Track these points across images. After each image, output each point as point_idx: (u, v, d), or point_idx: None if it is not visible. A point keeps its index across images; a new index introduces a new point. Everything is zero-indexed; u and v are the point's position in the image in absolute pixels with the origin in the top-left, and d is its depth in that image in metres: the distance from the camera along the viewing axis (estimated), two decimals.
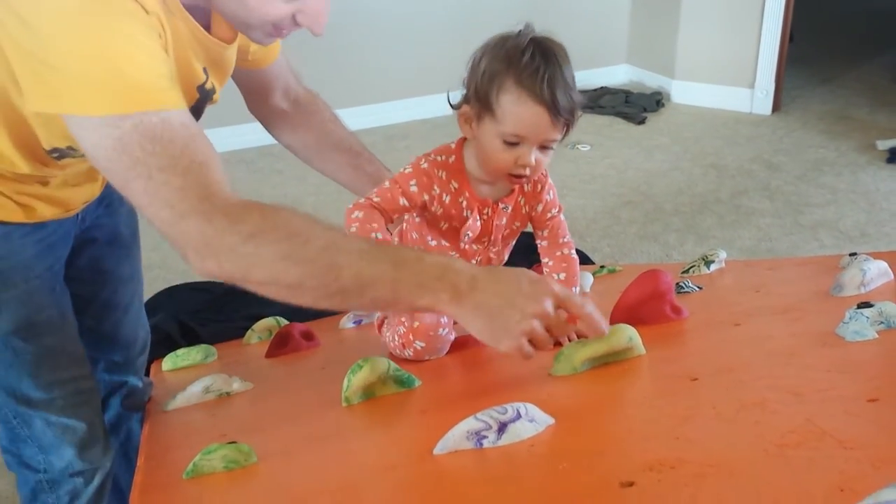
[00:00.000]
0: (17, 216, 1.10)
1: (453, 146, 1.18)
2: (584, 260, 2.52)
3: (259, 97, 1.37)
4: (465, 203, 1.19)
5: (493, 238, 1.25)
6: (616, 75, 4.42)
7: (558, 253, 1.26)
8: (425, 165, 1.17)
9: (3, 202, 1.08)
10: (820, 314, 1.16)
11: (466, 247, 1.24)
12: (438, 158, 1.17)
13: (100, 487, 1.27)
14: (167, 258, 2.67)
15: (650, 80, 4.32)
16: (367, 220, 1.12)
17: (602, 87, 4.22)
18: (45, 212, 1.09)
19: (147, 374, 1.59)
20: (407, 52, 3.87)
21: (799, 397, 0.78)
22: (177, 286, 2.40)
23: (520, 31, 1.10)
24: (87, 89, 0.80)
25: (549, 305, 0.87)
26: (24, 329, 1.14)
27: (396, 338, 1.33)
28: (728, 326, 1.19)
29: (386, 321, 1.42)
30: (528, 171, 1.12)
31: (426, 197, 1.17)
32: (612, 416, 0.88)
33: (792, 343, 1.02)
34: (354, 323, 1.87)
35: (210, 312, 2.22)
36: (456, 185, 1.18)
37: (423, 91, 3.95)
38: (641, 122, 3.90)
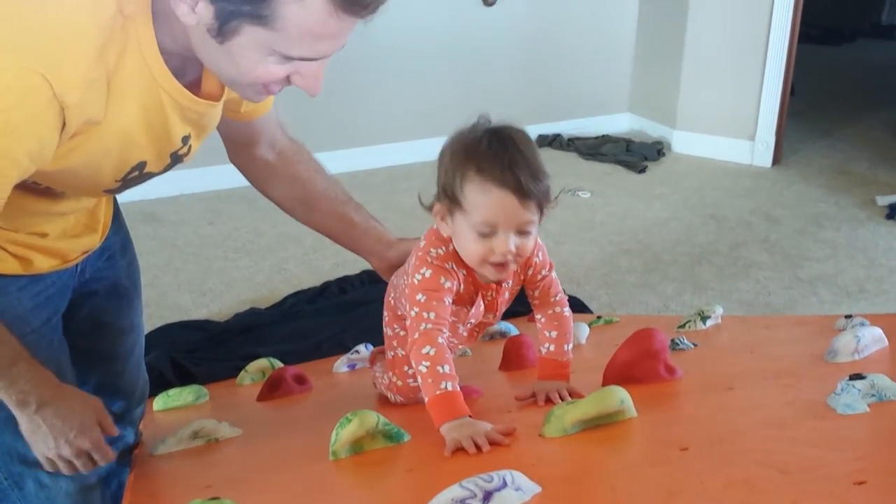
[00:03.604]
0: (13, 268, 1.08)
1: (445, 237, 1.17)
2: (581, 308, 2.52)
3: (243, 147, 1.32)
4: (472, 288, 1.19)
5: (496, 313, 1.27)
6: (618, 124, 4.46)
7: (550, 311, 1.26)
8: (437, 262, 1.16)
9: (1, 254, 1.07)
10: (813, 381, 1.15)
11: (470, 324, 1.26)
12: (440, 252, 1.16)
13: None
14: (163, 295, 2.67)
15: (652, 129, 4.35)
16: (437, 360, 1.09)
17: (603, 135, 4.25)
18: (43, 264, 1.08)
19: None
20: (410, 95, 3.90)
21: (786, 476, 0.77)
22: (171, 324, 2.40)
23: (475, 123, 1.13)
24: None
25: (82, 446, 1.10)
26: None
27: (385, 378, 1.34)
28: (721, 390, 1.19)
29: (377, 360, 1.43)
30: (510, 258, 1.12)
31: (452, 287, 1.16)
32: (599, 487, 0.88)
33: (784, 413, 1.01)
34: (348, 367, 1.86)
35: (204, 351, 2.22)
36: (463, 273, 1.17)
37: (426, 133, 3.97)
38: (642, 170, 3.93)
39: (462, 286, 1.18)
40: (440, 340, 1.12)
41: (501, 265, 1.13)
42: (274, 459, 1.23)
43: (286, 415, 1.50)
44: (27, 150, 0.88)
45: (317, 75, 0.95)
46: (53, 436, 1.07)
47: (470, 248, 1.12)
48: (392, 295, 1.33)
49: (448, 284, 1.15)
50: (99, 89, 0.90)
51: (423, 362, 1.10)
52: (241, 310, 2.57)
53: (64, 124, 0.88)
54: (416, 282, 1.16)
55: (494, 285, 1.21)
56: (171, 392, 1.73)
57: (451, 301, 1.16)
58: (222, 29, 0.88)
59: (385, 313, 1.35)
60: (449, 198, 1.11)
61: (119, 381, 1.40)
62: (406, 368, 1.27)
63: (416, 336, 1.13)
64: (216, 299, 2.68)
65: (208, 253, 3.05)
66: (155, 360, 2.03)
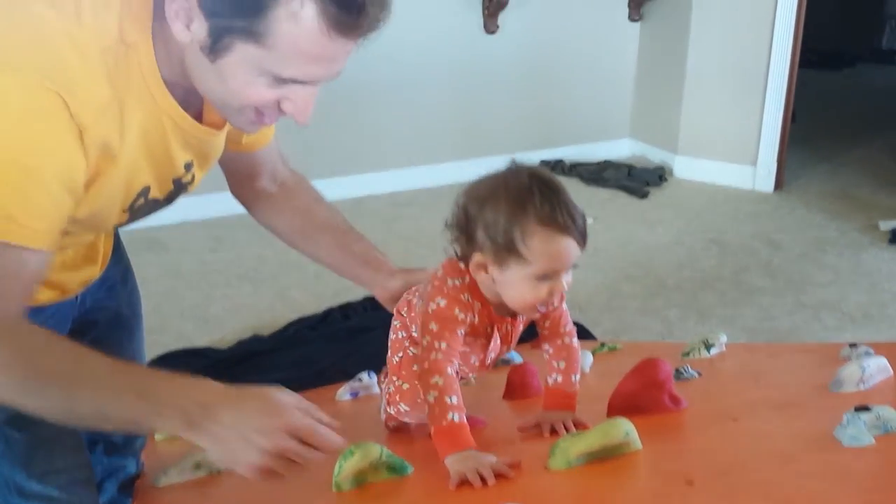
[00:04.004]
0: None
1: (461, 266, 1.17)
2: (585, 335, 2.51)
3: (245, 179, 1.33)
4: (487, 320, 1.19)
5: (511, 345, 1.27)
6: (619, 149, 4.47)
7: (559, 342, 1.26)
8: (453, 292, 1.15)
9: None
10: (819, 412, 1.15)
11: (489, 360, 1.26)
12: (457, 282, 1.16)
13: None
14: (166, 322, 2.67)
15: (653, 154, 4.37)
16: (446, 390, 1.09)
17: (605, 161, 4.26)
18: (42, 296, 1.07)
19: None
20: (411, 121, 3.92)
21: None
22: (174, 352, 2.40)
23: (513, 169, 1.12)
24: None
25: (282, 440, 0.89)
26: (19, 417, 1.06)
27: (390, 387, 1.33)
28: (726, 421, 1.18)
29: (385, 378, 1.41)
30: (558, 299, 1.15)
31: (466, 319, 1.16)
32: None
33: (789, 445, 1.01)
34: (351, 395, 1.85)
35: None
36: (479, 306, 1.17)
37: (427, 160, 4.00)
38: (644, 196, 3.93)
39: (477, 318, 1.17)
40: (449, 371, 1.12)
41: (547, 305, 1.15)
42: (276, 491, 1.22)
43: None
44: (57, 174, 0.86)
45: (307, 102, 0.94)
46: (244, 436, 0.88)
47: (526, 296, 1.13)
48: (405, 310, 1.32)
49: (462, 316, 1.15)
50: (113, 115, 0.91)
51: (432, 392, 1.10)
52: (243, 337, 2.57)
53: (84, 151, 0.88)
54: (430, 310, 1.16)
55: (510, 318, 1.21)
56: None
57: (463, 333, 1.16)
58: (215, 46, 0.88)
59: (395, 322, 1.33)
60: (501, 249, 1.09)
61: None
62: (414, 367, 1.25)
63: (426, 365, 1.13)
64: (219, 326, 2.68)
65: (211, 280, 3.05)
66: None
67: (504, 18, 3.94)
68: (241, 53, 0.88)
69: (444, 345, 1.13)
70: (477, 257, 1.13)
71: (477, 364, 1.25)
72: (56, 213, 0.89)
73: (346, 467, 1.10)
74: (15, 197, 0.84)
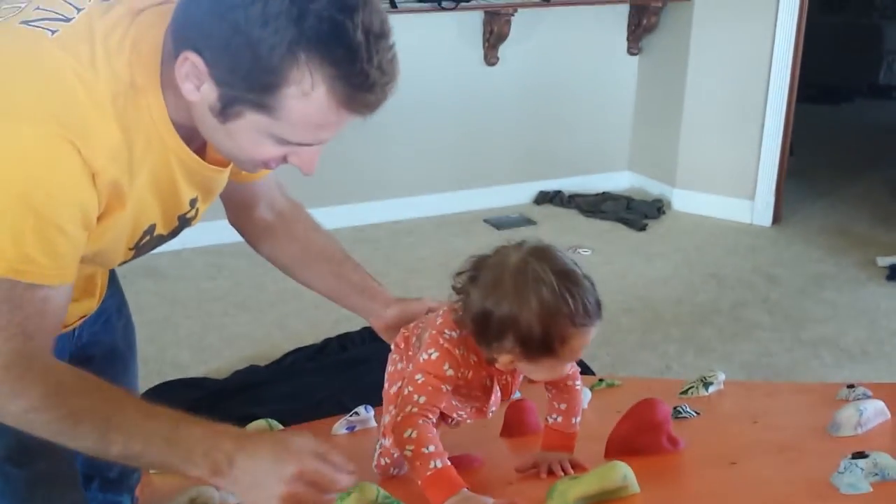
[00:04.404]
0: None
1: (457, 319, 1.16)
2: (584, 369, 2.50)
3: (243, 209, 1.34)
4: (485, 373, 1.18)
5: (510, 396, 1.27)
6: (618, 181, 4.49)
7: (562, 384, 1.25)
8: (447, 345, 1.15)
9: None
10: (816, 456, 1.15)
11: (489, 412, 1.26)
12: (453, 335, 1.15)
13: None
14: (162, 351, 2.67)
15: (652, 187, 4.39)
16: (420, 442, 1.08)
17: (604, 193, 4.28)
18: None
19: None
20: (412, 151, 3.94)
21: None
22: (170, 381, 2.39)
23: (534, 269, 1.08)
24: None
25: (295, 485, 0.91)
26: (17, 454, 1.10)
27: (380, 438, 1.32)
28: (724, 465, 1.18)
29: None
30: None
31: (458, 374, 1.15)
32: None
33: (786, 491, 1.01)
34: (347, 429, 1.84)
35: (202, 410, 2.18)
36: (475, 359, 1.16)
37: (428, 189, 4.01)
38: (642, 228, 3.94)
39: (472, 373, 1.17)
40: (420, 422, 1.11)
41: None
42: None
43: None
44: (71, 218, 0.89)
45: (313, 157, 0.97)
46: (261, 484, 0.90)
47: (550, 375, 1.17)
48: (403, 345, 1.31)
49: (451, 373, 1.14)
50: (124, 158, 0.93)
51: (408, 446, 1.09)
52: (240, 366, 2.56)
53: (97, 192, 0.90)
54: (421, 360, 1.16)
55: (509, 370, 1.20)
56: None
57: (450, 388, 1.15)
58: (224, 111, 0.90)
59: (393, 355, 1.32)
60: (536, 352, 1.09)
61: None
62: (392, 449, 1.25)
63: (400, 418, 1.12)
64: (215, 355, 2.67)
65: (209, 308, 3.05)
66: None
67: (504, 50, 3.98)
68: (251, 120, 0.90)
69: (422, 399, 1.12)
70: (506, 358, 1.12)
71: (473, 412, 1.24)
72: (74, 251, 0.93)
73: None
74: (35, 241, 0.87)
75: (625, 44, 4.31)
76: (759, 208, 4.01)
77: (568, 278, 1.08)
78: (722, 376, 1.83)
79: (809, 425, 1.33)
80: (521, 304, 1.07)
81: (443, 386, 1.14)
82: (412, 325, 1.31)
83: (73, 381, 0.93)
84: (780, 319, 3.05)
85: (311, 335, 2.77)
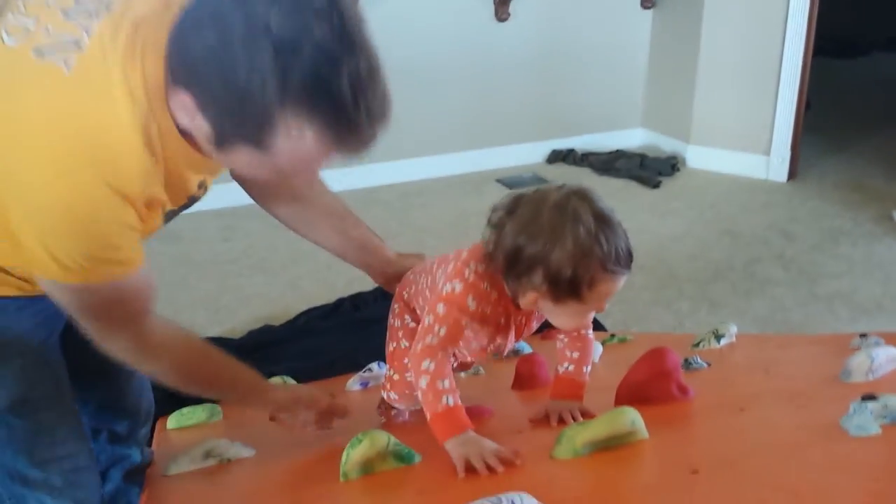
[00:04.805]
0: (14, 292, 1.09)
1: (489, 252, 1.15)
2: (596, 326, 2.50)
3: None
4: (503, 310, 1.18)
5: (522, 337, 1.27)
6: (631, 139, 4.45)
7: (575, 332, 1.26)
8: (473, 278, 1.14)
9: (3, 278, 1.07)
10: (826, 402, 1.14)
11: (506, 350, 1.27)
12: (479, 268, 1.14)
13: None
14: (178, 313, 2.67)
15: (665, 144, 4.35)
16: (437, 374, 1.10)
17: (617, 151, 4.24)
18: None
19: (153, 430, 1.58)
20: (423, 111, 3.90)
21: (798, 500, 0.76)
22: None
23: (574, 208, 1.08)
24: (56, 265, 0.94)
25: (303, 413, 1.34)
26: (20, 405, 1.13)
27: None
28: (733, 411, 1.18)
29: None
30: None
31: (479, 309, 1.15)
32: None
33: (796, 436, 1.01)
34: (361, 385, 1.86)
35: None
36: (495, 295, 1.16)
37: (440, 150, 3.99)
38: (656, 185, 3.91)
39: (490, 309, 1.17)
40: (440, 355, 1.12)
41: None
42: (285, 480, 1.23)
43: (298, 434, 1.51)
44: (122, 235, 0.97)
45: (312, 178, 1.08)
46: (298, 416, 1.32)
47: (572, 323, 1.18)
48: (408, 290, 1.33)
49: (473, 306, 1.14)
50: (153, 174, 0.97)
51: (423, 377, 1.10)
52: (254, 327, 2.58)
53: (137, 212, 0.97)
54: (443, 292, 1.16)
55: (526, 311, 1.20)
56: (185, 410, 1.74)
57: (468, 322, 1.15)
58: (219, 143, 0.92)
59: (395, 305, 1.35)
60: (563, 292, 1.09)
61: (121, 401, 1.41)
62: (406, 361, 1.26)
63: (419, 347, 1.13)
64: (230, 316, 2.70)
65: (223, 269, 3.07)
66: None
67: (515, 6, 3.93)
68: (244, 152, 0.92)
69: (443, 330, 1.13)
70: (531, 296, 1.11)
71: (478, 350, 1.24)
72: (135, 246, 1.01)
73: (354, 456, 1.10)
74: (103, 255, 0.97)
75: None
76: (774, 164, 3.96)
77: (605, 222, 1.08)
78: (734, 329, 1.83)
79: (821, 374, 1.33)
80: (555, 241, 1.06)
81: (464, 319, 1.14)
82: (417, 267, 1.33)
83: (192, 353, 1.19)
84: (795, 275, 3.03)
85: (325, 295, 2.78)
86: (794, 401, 1.18)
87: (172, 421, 1.71)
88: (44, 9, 0.95)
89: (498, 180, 3.94)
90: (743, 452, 0.97)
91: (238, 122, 0.88)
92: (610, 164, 4.12)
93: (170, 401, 1.89)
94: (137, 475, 1.42)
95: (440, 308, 1.14)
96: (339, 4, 0.85)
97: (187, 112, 0.91)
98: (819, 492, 0.79)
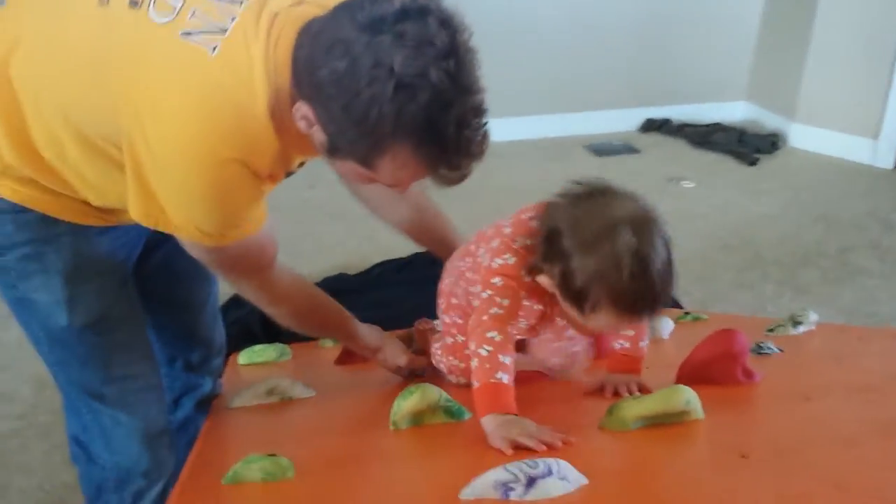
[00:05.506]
0: (94, 221, 1.16)
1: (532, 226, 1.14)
2: (672, 303, 2.45)
3: None
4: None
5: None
6: (732, 112, 4.28)
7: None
8: (523, 251, 1.13)
9: (87, 210, 1.15)
10: None
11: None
12: (527, 243, 1.13)
13: (163, 491, 1.30)
14: None
15: (768, 120, 4.17)
16: (501, 348, 1.09)
17: (716, 124, 4.09)
18: (123, 217, 1.14)
19: (225, 364, 1.64)
20: (520, 71, 3.82)
21: (843, 493, 0.74)
22: None
23: (624, 233, 1.02)
24: (198, 231, 1.07)
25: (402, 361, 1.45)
26: (98, 323, 1.19)
27: (445, 360, 1.36)
28: (798, 400, 1.14)
29: (430, 337, 1.48)
30: None
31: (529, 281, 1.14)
32: (649, 487, 0.86)
33: (856, 430, 0.96)
34: None
35: None
36: None
37: (535, 110, 3.93)
38: (753, 163, 3.77)
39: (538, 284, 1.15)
40: (509, 329, 1.11)
41: None
42: (339, 424, 1.26)
43: (359, 380, 1.54)
44: (251, 202, 1.09)
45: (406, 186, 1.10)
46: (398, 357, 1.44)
47: (573, 324, 1.16)
48: (447, 281, 1.33)
49: (527, 278, 1.13)
50: (280, 155, 1.06)
51: (486, 346, 1.09)
52: (330, 274, 2.63)
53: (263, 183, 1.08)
54: (495, 265, 1.14)
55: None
56: (256, 348, 1.79)
57: (524, 294, 1.14)
58: (331, 152, 1.02)
59: (440, 301, 1.35)
60: (569, 297, 1.07)
61: (196, 330, 1.48)
62: (467, 350, 1.26)
63: (485, 318, 1.11)
64: (308, 262, 2.76)
65: (306, 216, 3.13)
66: (246, 316, 2.12)
67: None
68: (352, 165, 1.02)
69: (506, 301, 1.12)
70: (545, 280, 1.10)
71: (525, 329, 1.22)
72: (262, 209, 1.13)
73: (404, 407, 1.12)
74: (234, 216, 1.09)
75: None
76: (882, 149, 3.76)
77: (644, 264, 1.02)
78: (814, 317, 1.75)
79: None
80: (585, 250, 1.04)
81: (521, 291, 1.13)
82: (471, 243, 1.31)
83: (305, 300, 1.33)
84: (891, 267, 2.88)
85: (400, 249, 2.80)
86: (863, 395, 1.13)
87: (244, 357, 1.77)
88: None
89: (586, 147, 3.86)
90: (798, 441, 0.94)
91: (352, 142, 0.98)
92: (707, 136, 3.99)
93: (245, 338, 1.97)
94: (207, 405, 1.48)
95: (496, 280, 1.13)
96: (458, 50, 0.95)
97: (307, 122, 1.00)
98: (867, 489, 0.75)
